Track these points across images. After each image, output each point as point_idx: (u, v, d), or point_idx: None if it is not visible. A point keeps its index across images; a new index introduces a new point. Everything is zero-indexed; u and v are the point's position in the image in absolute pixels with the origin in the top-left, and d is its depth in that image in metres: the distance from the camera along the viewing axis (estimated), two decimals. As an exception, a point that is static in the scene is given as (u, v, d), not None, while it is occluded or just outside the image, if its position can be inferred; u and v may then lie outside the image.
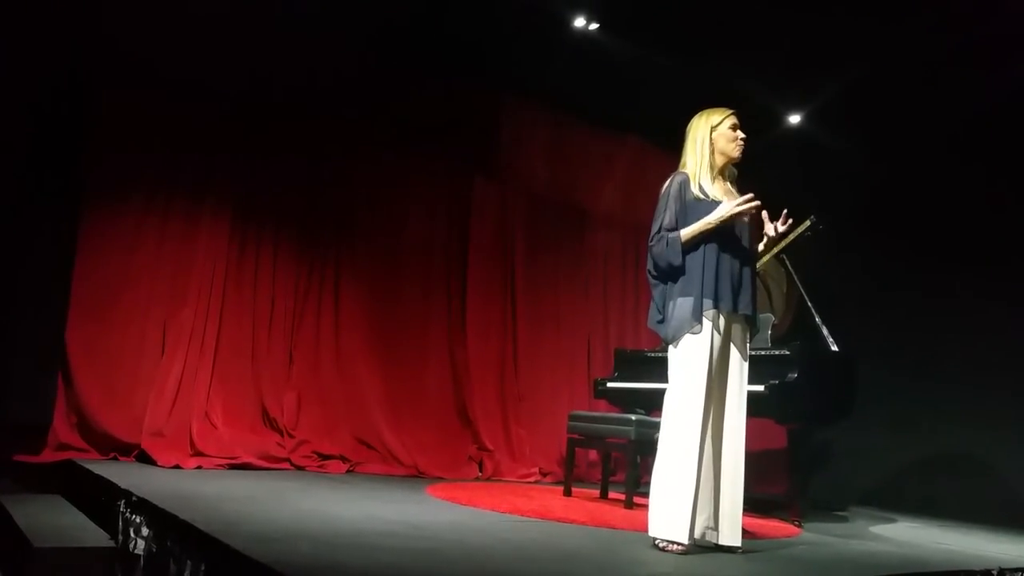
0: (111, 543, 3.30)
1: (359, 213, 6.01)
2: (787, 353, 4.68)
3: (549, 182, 6.89)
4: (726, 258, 3.34)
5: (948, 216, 6.72)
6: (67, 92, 5.14)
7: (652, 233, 3.41)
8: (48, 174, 5.13)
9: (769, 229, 3.49)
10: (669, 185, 3.45)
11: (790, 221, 3.51)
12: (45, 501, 4.10)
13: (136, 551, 3.15)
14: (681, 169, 3.50)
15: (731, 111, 3.48)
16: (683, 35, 5.76)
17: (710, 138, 3.45)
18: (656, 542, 3.22)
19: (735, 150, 3.46)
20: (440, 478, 5.61)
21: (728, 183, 3.52)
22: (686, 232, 3.32)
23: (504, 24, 5.77)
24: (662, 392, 3.33)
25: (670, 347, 3.33)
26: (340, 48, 5.82)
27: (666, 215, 3.39)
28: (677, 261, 3.32)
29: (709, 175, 3.44)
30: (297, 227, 5.79)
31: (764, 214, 3.41)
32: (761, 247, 3.58)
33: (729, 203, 3.29)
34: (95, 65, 5.12)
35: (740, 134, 3.46)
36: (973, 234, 6.57)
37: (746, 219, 3.38)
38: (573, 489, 5.09)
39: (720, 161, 3.47)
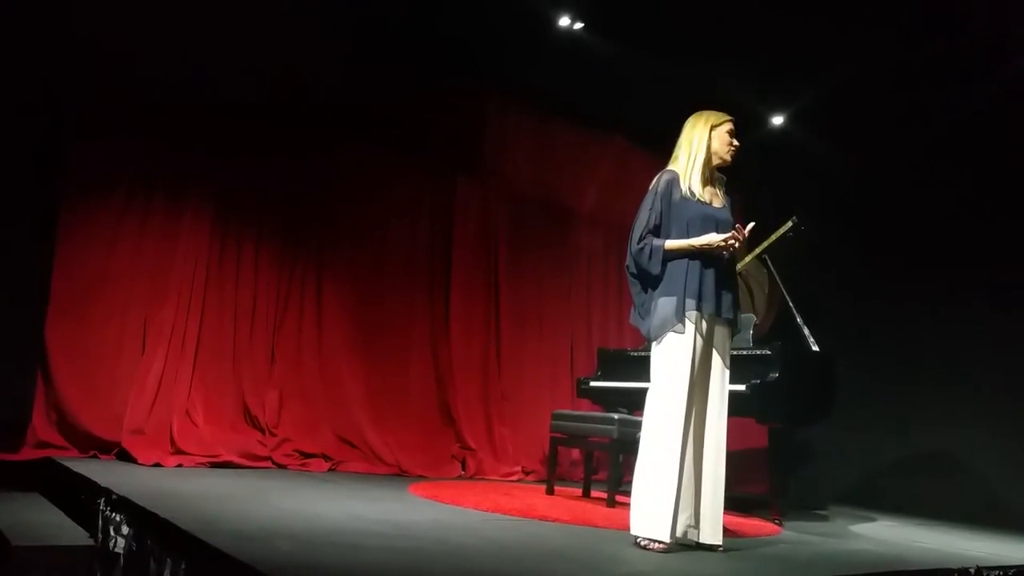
0: (91, 542, 3.27)
1: (342, 212, 5.98)
2: (768, 353, 4.71)
3: (533, 182, 6.89)
4: (709, 261, 3.35)
5: (927, 219, 6.79)
6: (48, 89, 5.09)
7: (637, 232, 3.40)
8: (28, 171, 5.08)
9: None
10: (656, 182, 3.46)
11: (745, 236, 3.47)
12: (24, 499, 4.06)
13: (116, 550, 3.14)
14: (671, 166, 3.51)
15: (730, 117, 3.51)
16: (667, 36, 5.78)
17: (708, 136, 3.47)
18: (638, 541, 3.23)
19: (727, 153, 3.48)
20: (423, 477, 5.60)
21: (716, 187, 3.53)
22: (671, 245, 3.33)
23: (488, 24, 5.77)
24: (644, 391, 3.35)
25: (652, 346, 3.35)
26: (323, 47, 5.79)
27: (651, 214, 3.40)
28: (656, 271, 3.35)
29: (700, 174, 3.44)
30: (279, 225, 5.76)
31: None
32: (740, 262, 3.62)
33: (718, 235, 3.30)
34: (77, 62, 5.07)
35: (735, 141, 3.49)
36: (952, 237, 6.63)
37: (729, 237, 3.37)
38: (555, 488, 5.10)
39: (713, 161, 3.48)
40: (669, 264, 3.35)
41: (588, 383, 5.68)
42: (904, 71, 5.97)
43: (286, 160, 5.78)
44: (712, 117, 3.49)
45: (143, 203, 5.26)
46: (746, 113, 6.38)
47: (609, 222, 7.11)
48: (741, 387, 4.42)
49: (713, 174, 3.52)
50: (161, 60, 5.25)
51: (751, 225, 3.44)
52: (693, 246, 3.31)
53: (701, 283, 3.32)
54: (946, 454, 6.40)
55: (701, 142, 3.46)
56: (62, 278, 4.95)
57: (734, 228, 3.35)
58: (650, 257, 3.35)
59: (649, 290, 3.39)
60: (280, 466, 5.28)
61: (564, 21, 5.84)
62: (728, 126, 3.48)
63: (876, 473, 6.76)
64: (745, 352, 4.76)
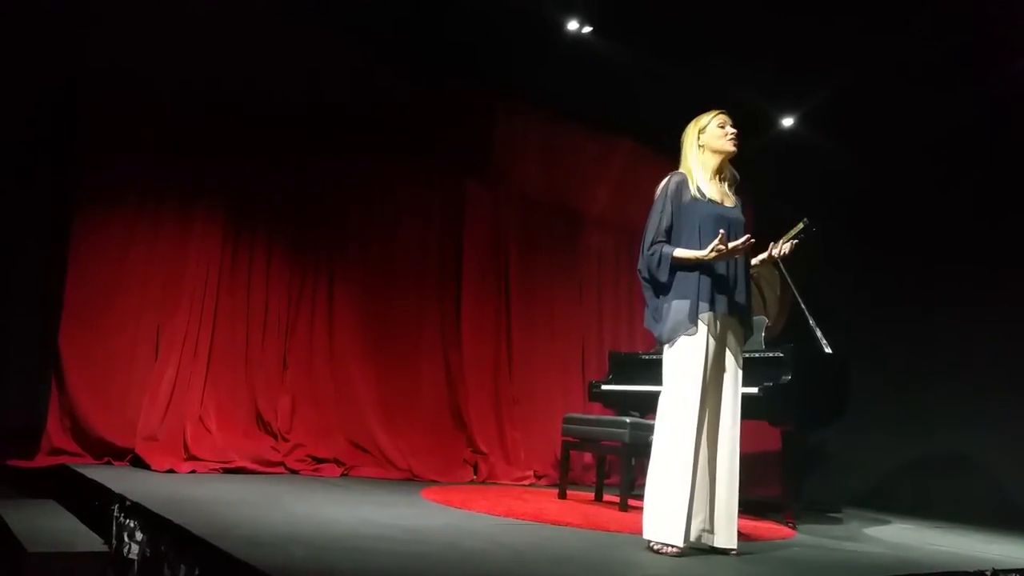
0: (105, 548, 3.29)
1: (352, 216, 6.00)
2: (780, 355, 4.69)
3: (542, 185, 6.90)
4: (721, 262, 3.34)
5: (938, 220, 6.76)
6: (60, 97, 5.13)
7: (649, 237, 3.40)
8: (41, 179, 5.12)
9: (773, 251, 3.59)
10: (666, 184, 3.46)
11: (794, 241, 3.56)
12: (39, 506, 4.08)
13: (130, 556, 3.15)
14: (680, 169, 3.52)
15: (719, 111, 3.52)
16: (676, 39, 5.78)
17: (698, 141, 3.49)
18: (651, 545, 3.22)
19: (727, 144, 3.48)
20: (435, 481, 5.60)
21: (725, 185, 3.53)
22: (680, 254, 3.32)
23: (498, 27, 5.78)
24: (657, 395, 3.34)
25: (665, 348, 3.34)
26: (333, 52, 5.82)
27: (662, 217, 3.40)
28: (664, 278, 3.34)
29: (705, 176, 3.46)
30: (290, 231, 5.78)
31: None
32: (756, 261, 3.61)
33: (727, 244, 3.27)
34: (88, 70, 5.11)
35: (730, 129, 3.48)
36: (963, 238, 6.60)
37: (739, 241, 3.36)
38: (568, 492, 5.09)
39: (714, 160, 3.49)
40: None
41: (600, 387, 5.68)
42: (915, 71, 5.94)
43: (296, 166, 5.81)
44: (701, 119, 3.52)
45: (155, 210, 5.30)
46: (757, 114, 6.43)
47: (619, 225, 7.11)
48: (754, 390, 4.40)
49: (722, 172, 3.52)
50: (170, 68, 5.28)
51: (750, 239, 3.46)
52: (701, 258, 3.29)
53: (713, 284, 3.31)
54: (961, 456, 6.36)
55: (696, 148, 3.49)
56: (76, 286, 4.98)
57: (737, 236, 3.34)
58: (659, 264, 3.35)
59: (661, 295, 3.38)
60: (293, 471, 5.29)
61: (573, 25, 5.84)
62: (717, 120, 3.49)
63: (890, 475, 6.72)
64: (757, 354, 4.74)
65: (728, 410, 3.35)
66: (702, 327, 3.27)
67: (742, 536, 3.54)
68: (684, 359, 3.26)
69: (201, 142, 5.43)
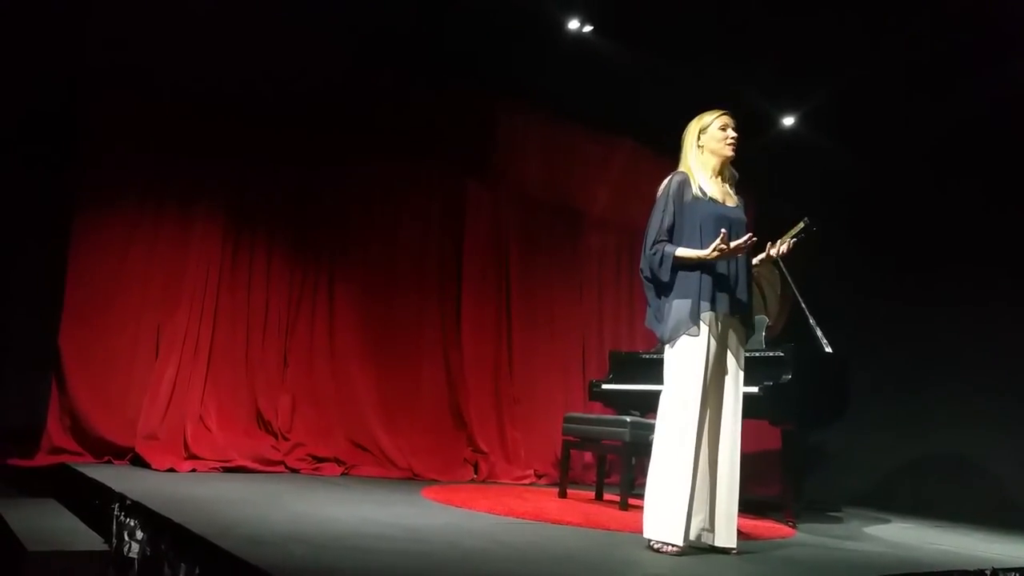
0: (105, 547, 3.29)
1: (353, 216, 6.00)
2: (781, 355, 4.69)
3: (543, 185, 6.89)
4: (723, 261, 3.34)
5: (938, 220, 6.75)
6: (61, 96, 5.13)
7: (651, 237, 3.40)
8: (41, 178, 5.12)
9: (772, 250, 3.55)
10: (668, 184, 3.46)
11: (792, 241, 3.56)
12: (39, 505, 4.09)
13: (130, 555, 3.15)
14: (680, 169, 3.52)
15: (722, 111, 3.51)
16: (677, 38, 5.77)
17: (698, 141, 3.49)
18: (651, 543, 3.22)
19: (726, 149, 3.48)
20: (435, 480, 5.60)
21: (727, 185, 3.53)
22: (682, 254, 3.32)
23: (498, 27, 5.78)
24: (657, 394, 3.34)
25: (666, 348, 3.34)
26: (333, 52, 5.81)
27: (664, 216, 3.40)
28: (666, 278, 3.34)
29: (704, 175, 3.46)
30: (291, 230, 5.78)
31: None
32: (756, 260, 3.61)
33: (728, 243, 3.27)
34: (89, 69, 5.11)
35: (730, 133, 3.48)
36: (963, 238, 6.60)
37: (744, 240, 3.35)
38: (568, 491, 5.09)
39: (714, 161, 3.49)
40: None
41: (600, 386, 5.68)
42: (915, 72, 5.94)
43: (297, 166, 5.81)
44: (703, 118, 3.51)
45: (155, 210, 5.31)
46: (757, 114, 6.43)
47: (619, 224, 7.11)
48: (754, 389, 4.40)
49: (723, 173, 3.53)
50: (170, 67, 5.27)
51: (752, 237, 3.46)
52: (703, 258, 3.29)
53: (715, 283, 3.31)
54: (961, 455, 6.36)
55: (696, 148, 3.49)
56: (76, 285, 4.99)
57: (738, 235, 3.33)
58: (660, 264, 3.35)
59: (663, 295, 3.39)
60: (293, 470, 5.30)
61: (574, 24, 5.83)
62: (719, 122, 3.48)
63: (890, 475, 6.72)
64: (758, 354, 4.74)
65: (729, 410, 3.35)
66: (703, 327, 3.27)
67: (742, 535, 3.54)
68: (685, 359, 3.26)
69: (201, 142, 5.43)
